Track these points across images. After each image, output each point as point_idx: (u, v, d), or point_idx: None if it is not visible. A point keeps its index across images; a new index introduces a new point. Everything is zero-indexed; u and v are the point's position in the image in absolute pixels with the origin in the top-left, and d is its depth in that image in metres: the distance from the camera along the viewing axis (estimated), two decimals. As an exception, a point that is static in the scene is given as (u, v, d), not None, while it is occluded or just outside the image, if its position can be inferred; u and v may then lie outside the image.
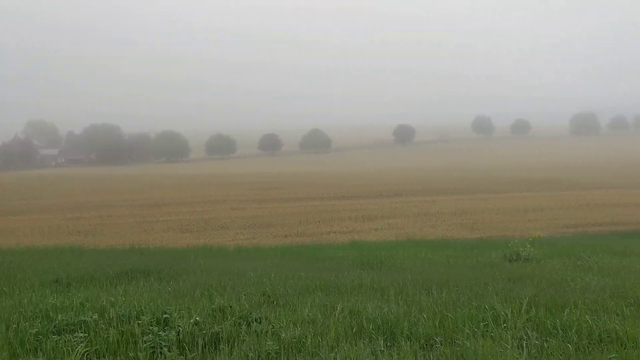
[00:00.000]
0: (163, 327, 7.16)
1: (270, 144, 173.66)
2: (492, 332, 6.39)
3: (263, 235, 36.56)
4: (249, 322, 7.27)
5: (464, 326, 6.52)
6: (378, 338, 6.38)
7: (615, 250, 18.27)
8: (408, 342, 6.19)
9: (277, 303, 8.36)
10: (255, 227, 40.49)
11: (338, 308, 7.34)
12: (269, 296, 8.76)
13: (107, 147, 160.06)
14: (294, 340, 6.43)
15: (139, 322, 7.28)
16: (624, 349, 5.53)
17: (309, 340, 6.35)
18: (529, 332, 6.21)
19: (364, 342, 6.26)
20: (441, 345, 6.12)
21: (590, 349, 5.71)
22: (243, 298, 8.51)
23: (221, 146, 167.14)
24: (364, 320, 6.90)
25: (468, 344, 5.87)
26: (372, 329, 6.66)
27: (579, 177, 71.03)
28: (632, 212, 42.30)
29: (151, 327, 7.09)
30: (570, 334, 6.10)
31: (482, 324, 6.62)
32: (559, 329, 6.27)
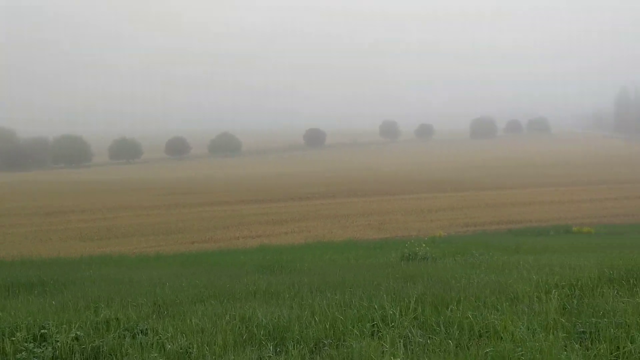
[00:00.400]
0: (40, 343, 6.73)
1: (177, 147, 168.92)
2: (380, 331, 6.48)
3: (168, 242, 35.58)
4: (135, 334, 6.97)
5: (353, 327, 6.58)
6: (268, 344, 6.30)
7: (507, 247, 19.26)
8: (297, 347, 6.16)
9: (167, 313, 8.08)
10: (161, 234, 39.33)
11: (227, 315, 7.22)
12: (159, 306, 8.47)
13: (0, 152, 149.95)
14: (180, 350, 6.23)
15: (13, 338, 6.81)
16: (501, 342, 5.75)
17: (195, 350, 6.18)
18: (414, 330, 6.35)
19: (252, 349, 6.17)
20: (329, 347, 6.13)
21: (470, 344, 5.91)
22: (130, 309, 8.15)
23: (125, 150, 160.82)
24: (254, 326, 6.79)
25: (355, 345, 5.91)
26: (263, 335, 6.58)
27: (478, 178, 74.77)
28: (525, 211, 45.13)
29: (26, 344, 6.65)
30: (452, 331, 6.29)
31: (370, 324, 6.70)
32: (442, 326, 6.46)
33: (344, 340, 6.24)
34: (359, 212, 47.05)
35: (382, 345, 5.83)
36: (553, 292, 7.50)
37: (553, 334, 5.79)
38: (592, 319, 6.30)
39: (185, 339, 6.52)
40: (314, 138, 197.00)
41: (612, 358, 5.25)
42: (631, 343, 5.39)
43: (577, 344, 5.63)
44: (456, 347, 5.78)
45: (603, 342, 5.52)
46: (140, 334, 6.98)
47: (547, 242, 23.04)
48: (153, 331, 7.00)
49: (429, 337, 6.13)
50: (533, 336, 5.75)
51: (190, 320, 7.25)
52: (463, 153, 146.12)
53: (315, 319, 7.00)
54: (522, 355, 5.31)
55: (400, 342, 5.94)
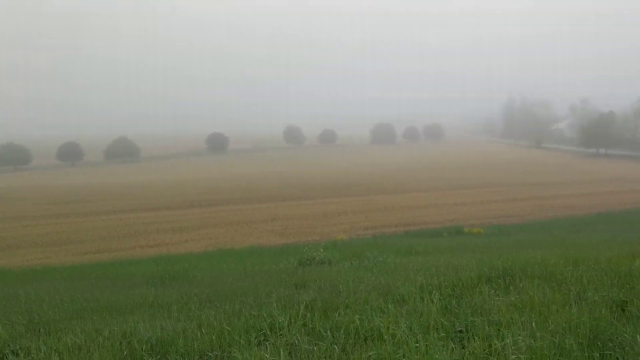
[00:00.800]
0: None
1: (70, 153, 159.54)
2: (267, 340, 6.40)
3: (58, 253, 33.56)
4: (4, 355, 6.47)
5: (240, 338, 6.46)
6: None
7: (401, 249, 19.84)
8: (181, 361, 5.96)
9: (43, 331, 7.56)
10: (51, 244, 37.06)
11: (107, 331, 6.86)
12: (35, 324, 7.91)
13: None
14: (53, 371, 5.83)
15: None
16: (383, 345, 5.85)
17: (69, 369, 5.80)
18: (302, 337, 6.32)
19: (132, 366, 5.89)
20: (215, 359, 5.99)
21: (354, 348, 5.97)
22: (2, 327, 7.55)
23: (12, 156, 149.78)
24: (136, 342, 6.49)
25: (239, 355, 5.80)
26: (145, 350, 6.29)
27: (378, 182, 76.90)
28: (421, 213, 46.98)
29: None
30: (338, 336, 6.32)
31: (257, 333, 6.61)
32: (330, 331, 6.47)
33: (230, 352, 6.11)
34: (262, 217, 46.83)
35: (272, 353, 5.77)
36: (434, 293, 7.78)
37: (432, 334, 5.98)
38: (470, 318, 6.57)
39: (59, 358, 6.11)
40: (217, 143, 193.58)
41: (484, 355, 5.49)
42: (501, 340, 5.68)
43: (453, 343, 5.85)
44: (341, 352, 5.81)
45: (477, 340, 5.78)
46: (10, 355, 6.49)
47: (439, 243, 24.02)
48: (25, 351, 6.52)
49: (316, 344, 6.12)
50: (413, 337, 5.90)
51: (67, 337, 6.82)
52: (364, 158, 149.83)
53: (202, 330, 6.81)
54: (402, 356, 5.44)
55: (285, 350, 5.90)
